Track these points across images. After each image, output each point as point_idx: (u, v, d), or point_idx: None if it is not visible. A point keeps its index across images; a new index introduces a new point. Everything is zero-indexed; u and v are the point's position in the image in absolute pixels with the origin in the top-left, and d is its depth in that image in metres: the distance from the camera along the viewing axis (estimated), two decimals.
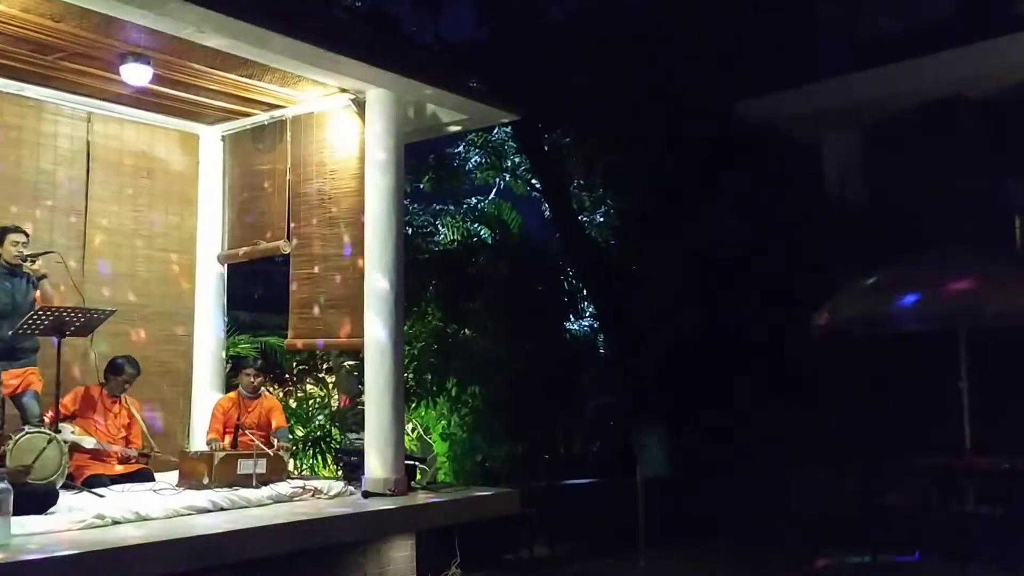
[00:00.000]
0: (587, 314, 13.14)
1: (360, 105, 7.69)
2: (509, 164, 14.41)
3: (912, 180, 10.69)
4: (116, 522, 5.65)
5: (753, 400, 10.12)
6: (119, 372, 7.29)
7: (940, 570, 7.94)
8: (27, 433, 5.99)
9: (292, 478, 7.54)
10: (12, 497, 4.96)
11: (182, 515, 6.03)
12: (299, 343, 8.21)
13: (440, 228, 13.49)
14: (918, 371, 9.16)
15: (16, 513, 5.06)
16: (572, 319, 12.72)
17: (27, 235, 6.90)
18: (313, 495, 6.94)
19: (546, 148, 13.51)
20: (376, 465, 7.24)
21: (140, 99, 8.02)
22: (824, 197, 11.38)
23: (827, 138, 11.80)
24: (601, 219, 14.18)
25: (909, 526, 8.22)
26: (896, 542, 8.27)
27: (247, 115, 8.51)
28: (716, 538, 9.29)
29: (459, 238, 12.50)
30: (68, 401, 7.11)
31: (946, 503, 8.10)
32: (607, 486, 9.63)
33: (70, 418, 7.07)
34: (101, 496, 6.35)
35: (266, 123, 8.47)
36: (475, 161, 14.31)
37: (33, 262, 6.83)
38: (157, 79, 7.29)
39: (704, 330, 10.85)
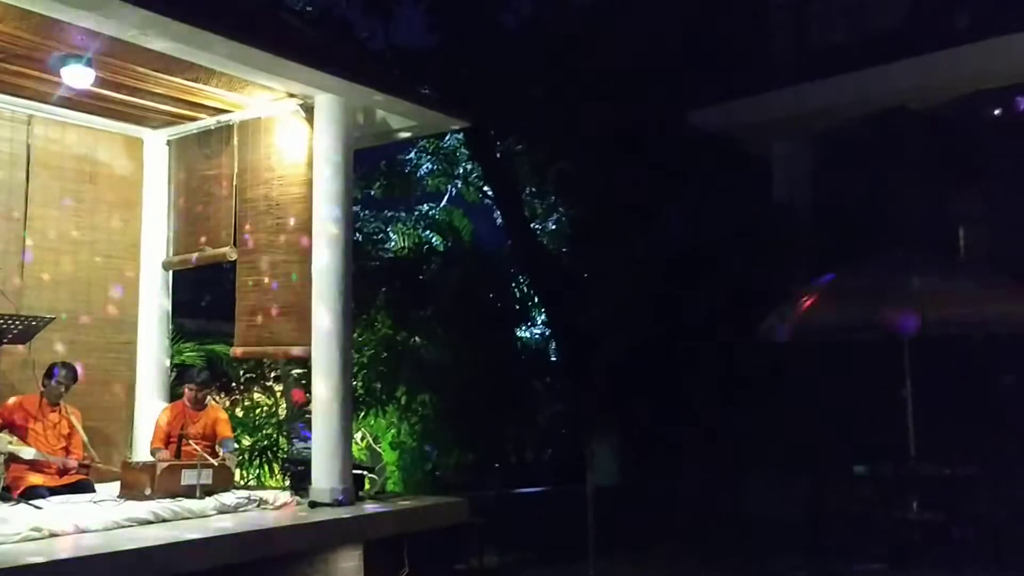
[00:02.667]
0: (539, 322, 13.16)
1: (308, 111, 7.61)
2: (461, 171, 14.43)
3: (859, 189, 10.86)
4: (53, 535, 5.50)
5: (703, 406, 10.19)
6: (52, 376, 7.14)
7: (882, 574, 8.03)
8: None
9: (238, 488, 7.42)
10: None
11: (122, 527, 5.88)
12: (245, 351, 8.08)
13: (391, 235, 13.43)
14: (864, 378, 9.28)
15: None
16: (524, 327, 12.73)
17: None
18: (259, 506, 6.83)
19: (498, 155, 13.52)
20: (323, 475, 7.15)
21: (83, 102, 7.85)
22: (774, 205, 11.52)
23: (777, 147, 11.95)
24: (553, 227, 14.24)
25: (854, 531, 8.31)
26: (841, 548, 8.36)
27: (193, 119, 8.37)
28: (666, 544, 9.31)
29: (410, 245, 12.45)
30: (5, 411, 6.95)
31: (889, 509, 8.21)
32: (558, 494, 9.64)
33: (7, 428, 6.90)
34: (39, 508, 6.21)
35: (212, 128, 8.34)
36: (427, 168, 14.31)
37: None
38: (100, 82, 7.15)
39: (655, 337, 10.90)
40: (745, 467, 9.69)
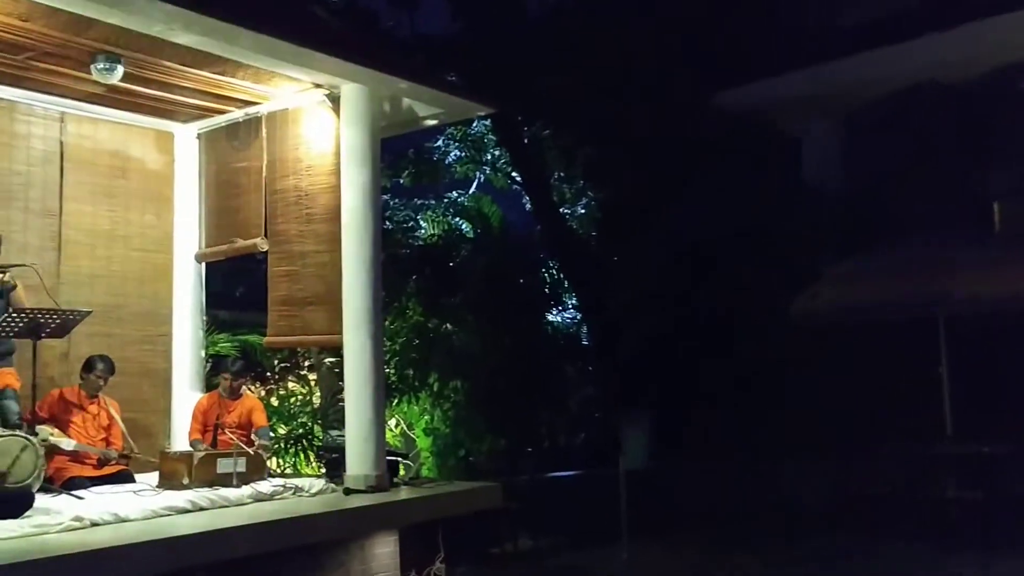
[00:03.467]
0: (569, 306, 13.15)
1: (335, 100, 7.64)
2: (489, 158, 14.42)
3: (890, 167, 10.73)
4: (94, 524, 5.59)
5: (735, 389, 10.15)
6: (91, 369, 7.25)
7: (923, 556, 7.98)
8: (1, 436, 5.93)
9: (273, 477, 7.51)
10: None
11: (161, 516, 5.97)
12: (277, 341, 8.17)
13: (421, 223, 13.48)
14: (898, 357, 9.20)
15: None
16: (554, 312, 12.74)
17: (0, 241, 6.83)
18: (294, 493, 6.90)
19: (526, 141, 13.50)
20: (357, 462, 7.21)
21: (114, 98, 7.92)
22: (803, 185, 11.42)
23: (806, 126, 11.83)
24: (582, 211, 14.20)
25: (890, 512, 8.26)
26: (877, 528, 8.31)
27: (222, 112, 8.44)
28: (698, 528, 9.31)
29: (440, 233, 12.48)
30: (45, 403, 7.06)
31: (926, 488, 8.15)
32: (591, 478, 9.66)
33: (48, 420, 7.02)
34: (80, 498, 6.28)
35: (241, 120, 8.40)
36: (454, 155, 14.30)
37: (3, 273, 6.77)
38: (129, 78, 7.20)
39: (686, 320, 10.87)
40: (778, 449, 9.64)
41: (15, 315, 6.45)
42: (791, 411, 9.83)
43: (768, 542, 8.70)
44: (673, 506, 9.36)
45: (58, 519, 5.52)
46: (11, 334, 6.54)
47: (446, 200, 14.44)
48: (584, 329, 13.07)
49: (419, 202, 14.74)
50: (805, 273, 9.70)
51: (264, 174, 8.18)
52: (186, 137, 8.85)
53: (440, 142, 14.57)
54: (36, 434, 6.43)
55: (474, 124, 14.08)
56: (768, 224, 10.80)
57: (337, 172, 7.63)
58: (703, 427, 10.22)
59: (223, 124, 8.57)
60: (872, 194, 10.72)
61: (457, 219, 13.20)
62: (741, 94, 11.64)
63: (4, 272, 6.80)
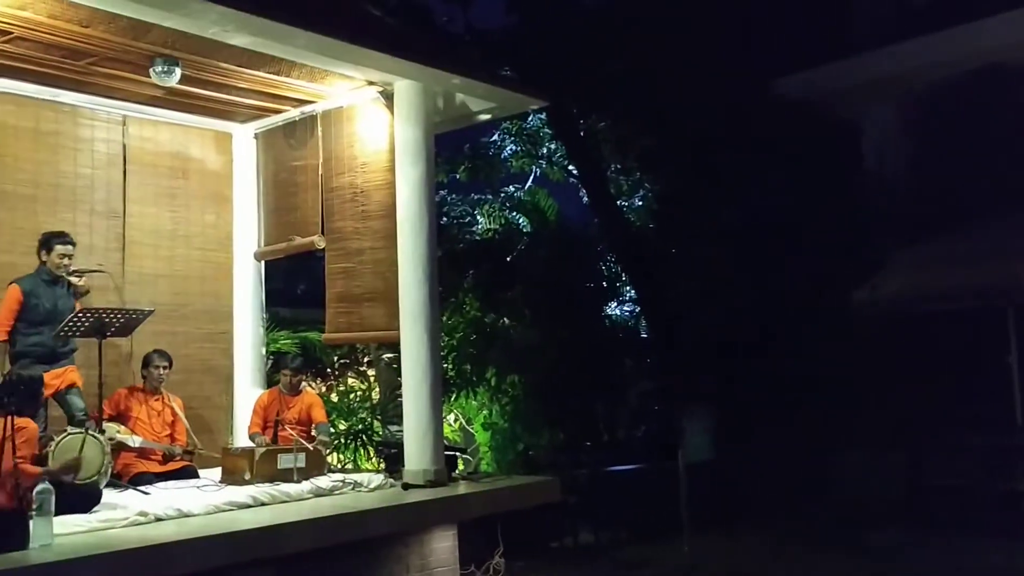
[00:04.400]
0: (628, 299, 13.07)
1: (388, 97, 7.67)
2: (545, 151, 14.37)
3: (954, 152, 10.45)
4: (158, 519, 5.71)
5: (797, 380, 9.99)
6: (148, 364, 7.42)
7: (993, 549, 7.78)
8: (69, 434, 6.08)
9: (333, 472, 7.59)
10: (54, 497, 5.03)
11: (223, 511, 6.07)
12: (336, 337, 8.25)
13: (478, 218, 13.50)
14: (965, 347, 8.97)
15: (59, 513, 5.14)
16: (612, 304, 12.67)
17: (74, 245, 6.99)
18: (353, 488, 6.96)
19: (581, 133, 13.43)
20: (415, 457, 7.24)
21: (173, 100, 8.05)
22: (865, 172, 11.19)
23: (866, 112, 11.58)
24: (639, 203, 14.09)
25: (959, 504, 8.06)
26: (945, 521, 8.12)
27: (278, 112, 8.54)
28: (761, 521, 9.19)
29: (496, 227, 12.48)
30: (112, 401, 7.23)
31: (995, 480, 7.94)
32: (651, 471, 9.59)
33: (115, 418, 7.18)
34: (146, 494, 6.42)
35: (297, 119, 8.49)
36: (510, 149, 14.28)
37: (80, 277, 6.94)
38: (187, 80, 7.31)
39: (746, 310, 10.74)
40: (843, 441, 9.48)
41: (81, 315, 6.62)
42: (856, 402, 9.65)
43: (834, 535, 8.55)
44: (736, 499, 9.26)
45: (123, 514, 5.65)
46: (78, 333, 6.71)
47: (503, 195, 14.44)
48: (643, 322, 12.98)
49: (476, 197, 14.76)
50: (868, 262, 9.49)
51: (320, 172, 8.25)
52: (244, 137, 8.97)
53: (496, 137, 14.58)
54: (103, 431, 6.60)
55: (529, 118, 14.03)
56: (829, 212, 10.61)
57: (392, 168, 7.67)
58: (765, 419, 10.08)
59: (280, 123, 8.67)
60: (936, 180, 10.45)
61: (514, 213, 13.18)
62: (800, 80, 11.44)
63: (80, 277, 6.98)
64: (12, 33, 6.45)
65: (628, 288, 12.78)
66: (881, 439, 9.21)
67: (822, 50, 11.51)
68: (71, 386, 6.86)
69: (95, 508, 5.75)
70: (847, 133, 11.53)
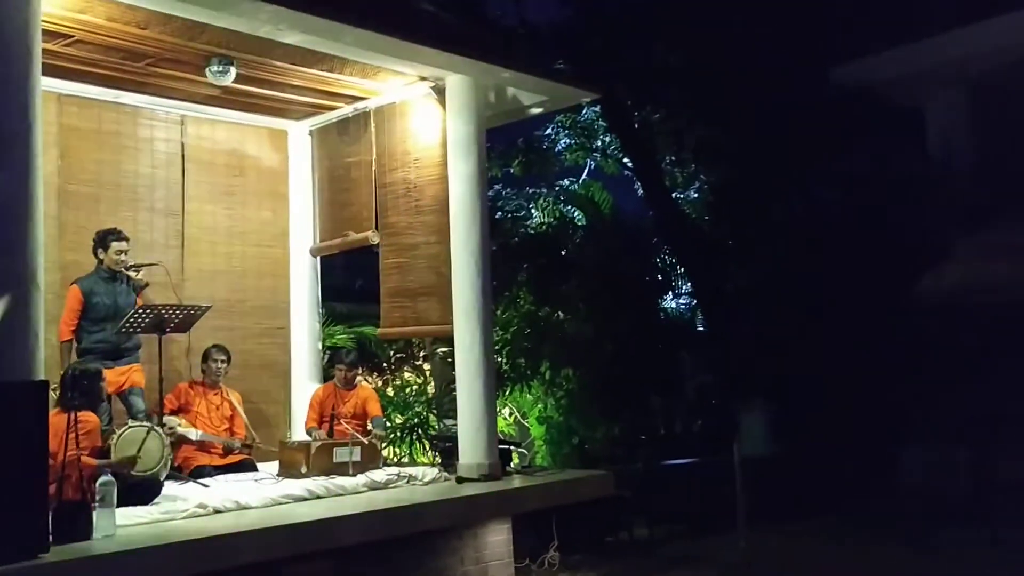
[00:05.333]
0: (683, 292, 12.96)
1: (440, 92, 7.70)
2: (599, 144, 14.31)
3: (1020, 138, 10.15)
4: (217, 511, 5.81)
5: (857, 373, 9.82)
6: (207, 358, 7.55)
7: None
8: (130, 427, 6.21)
9: (388, 465, 7.65)
10: (116, 489, 5.15)
11: (280, 504, 6.16)
12: (390, 332, 8.31)
13: (533, 212, 13.49)
14: None
15: (121, 504, 5.25)
16: (668, 297, 12.57)
17: (128, 240, 7.15)
18: (408, 482, 7.00)
19: (636, 125, 13.34)
20: (469, 451, 7.27)
21: (229, 99, 8.17)
22: (929, 160, 10.94)
23: (929, 98, 11.30)
24: (695, 195, 13.96)
25: None
26: (1015, 518, 7.91)
27: (332, 109, 8.63)
28: (821, 516, 9.05)
29: (550, 221, 12.46)
30: (172, 396, 7.37)
31: None
32: (708, 465, 9.49)
33: (176, 412, 7.32)
34: (206, 486, 6.53)
35: (351, 116, 8.58)
36: (564, 143, 14.25)
37: (137, 272, 7.09)
38: (242, 79, 7.42)
39: (805, 302, 10.58)
40: (905, 435, 9.28)
41: (141, 311, 6.76)
42: (919, 395, 9.45)
43: (896, 532, 8.38)
44: (794, 494, 9.12)
45: (183, 506, 5.77)
46: (138, 329, 6.86)
47: (557, 188, 14.42)
48: (699, 315, 12.86)
49: (530, 191, 14.76)
50: (931, 251, 9.28)
51: (374, 168, 8.33)
52: (299, 134, 9.08)
53: (550, 130, 14.56)
54: (164, 425, 6.73)
55: (583, 111, 14.00)
56: (891, 201, 10.39)
57: (444, 163, 7.70)
58: (825, 413, 9.92)
59: (334, 120, 8.76)
60: (1002, 167, 10.16)
61: (568, 207, 13.14)
62: (861, 67, 11.19)
63: (138, 271, 7.13)
64: (73, 36, 6.60)
65: (684, 281, 12.66)
66: (946, 433, 8.99)
67: (884, 36, 11.25)
68: (134, 387, 7.02)
69: (156, 500, 5.87)
70: (910, 120, 11.26)
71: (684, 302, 13.13)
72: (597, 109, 13.66)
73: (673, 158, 13.79)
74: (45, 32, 5.71)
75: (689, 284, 12.73)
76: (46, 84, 5.95)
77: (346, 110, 8.57)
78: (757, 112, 11.47)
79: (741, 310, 11.36)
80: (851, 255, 10.23)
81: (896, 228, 10.09)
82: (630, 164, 13.89)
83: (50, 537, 4.69)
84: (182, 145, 8.49)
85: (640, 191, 14.01)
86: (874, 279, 9.87)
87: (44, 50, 5.60)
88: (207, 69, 7.15)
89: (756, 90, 11.44)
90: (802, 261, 10.72)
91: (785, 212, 11.18)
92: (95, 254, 7.06)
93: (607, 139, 14.38)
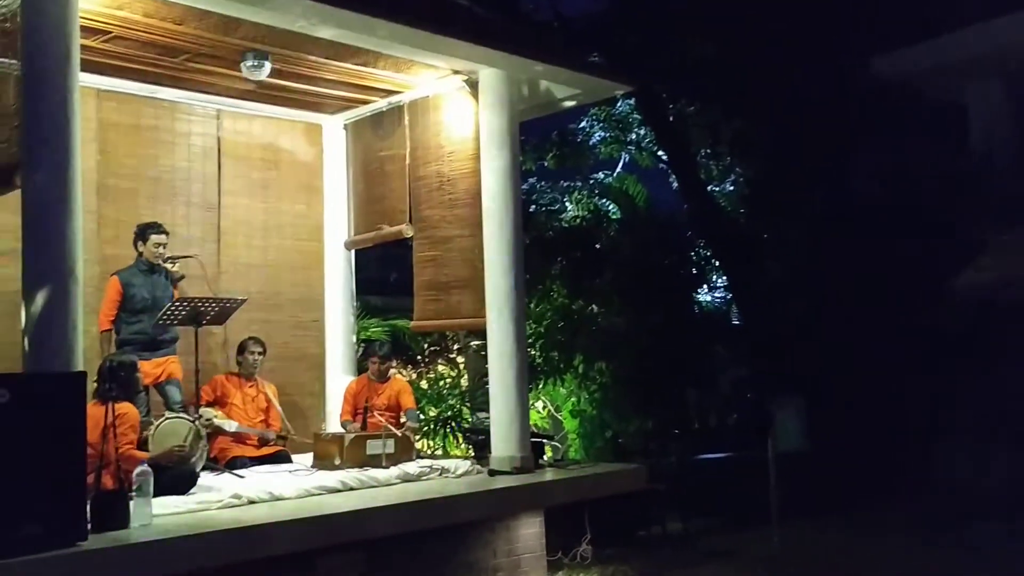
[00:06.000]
0: (718, 285, 12.89)
1: (473, 86, 7.71)
2: (633, 137, 14.26)
3: None
4: (251, 502, 5.87)
5: (894, 367, 9.71)
6: (243, 350, 7.62)
7: None
8: (167, 418, 6.31)
9: (422, 457, 7.69)
10: (153, 479, 5.22)
11: (313, 495, 6.20)
12: (423, 325, 8.35)
13: (567, 205, 13.48)
14: None
15: (157, 494, 5.33)
16: (702, 291, 12.51)
17: (167, 234, 7.25)
18: (440, 474, 7.03)
19: (670, 118, 13.27)
20: (502, 443, 7.29)
21: (264, 94, 8.23)
22: (969, 153, 10.76)
23: (970, 89, 11.11)
24: (730, 188, 13.87)
25: None
26: None
27: (366, 103, 8.65)
28: (856, 512, 8.97)
29: (585, 214, 12.44)
30: (209, 388, 7.45)
31: None
32: (742, 460, 9.45)
33: (212, 403, 7.40)
34: (241, 477, 6.61)
35: (385, 109, 8.60)
36: (599, 136, 14.21)
37: (173, 264, 7.19)
38: (277, 73, 7.48)
39: (841, 296, 10.47)
40: (942, 432, 9.17)
41: (177, 304, 6.85)
42: (957, 391, 9.32)
43: (932, 528, 8.28)
44: (829, 489, 9.04)
45: (218, 496, 5.83)
46: (174, 321, 6.95)
47: (591, 181, 14.39)
48: (734, 308, 12.78)
49: (565, 184, 14.75)
50: (969, 245, 9.13)
51: (408, 161, 8.34)
52: (334, 128, 9.13)
53: (584, 123, 14.53)
54: (200, 417, 6.81)
55: (618, 104, 13.95)
56: (929, 194, 10.25)
57: (477, 157, 7.71)
58: (860, 407, 9.82)
59: (368, 114, 8.79)
60: None
61: (602, 200, 13.11)
62: (899, 58, 11.03)
63: (174, 263, 7.22)
64: (111, 32, 6.68)
65: (718, 274, 12.58)
66: (984, 429, 8.87)
67: (922, 26, 11.08)
68: (171, 378, 7.12)
69: (192, 490, 5.94)
70: (949, 112, 11.09)
71: (719, 295, 13.06)
72: (632, 102, 13.61)
73: (708, 151, 13.72)
74: (84, 29, 5.81)
75: (724, 277, 12.65)
76: (85, 80, 6.07)
77: (380, 104, 8.60)
78: (794, 104, 11.36)
79: (776, 304, 11.27)
80: (888, 249, 10.10)
81: (933, 222, 9.95)
82: (665, 157, 13.83)
83: (89, 525, 4.78)
84: (218, 139, 8.56)
85: (675, 184, 13.94)
86: (910, 273, 9.75)
87: (83, 46, 5.70)
88: (242, 64, 7.21)
89: (793, 82, 11.33)
90: (838, 255, 10.61)
91: (821, 205, 11.06)
92: (135, 247, 7.16)
93: (642, 132, 14.33)
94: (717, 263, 12.43)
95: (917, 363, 9.53)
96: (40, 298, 5.12)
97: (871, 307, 9.97)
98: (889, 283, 9.85)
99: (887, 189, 10.59)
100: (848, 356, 9.93)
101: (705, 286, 12.58)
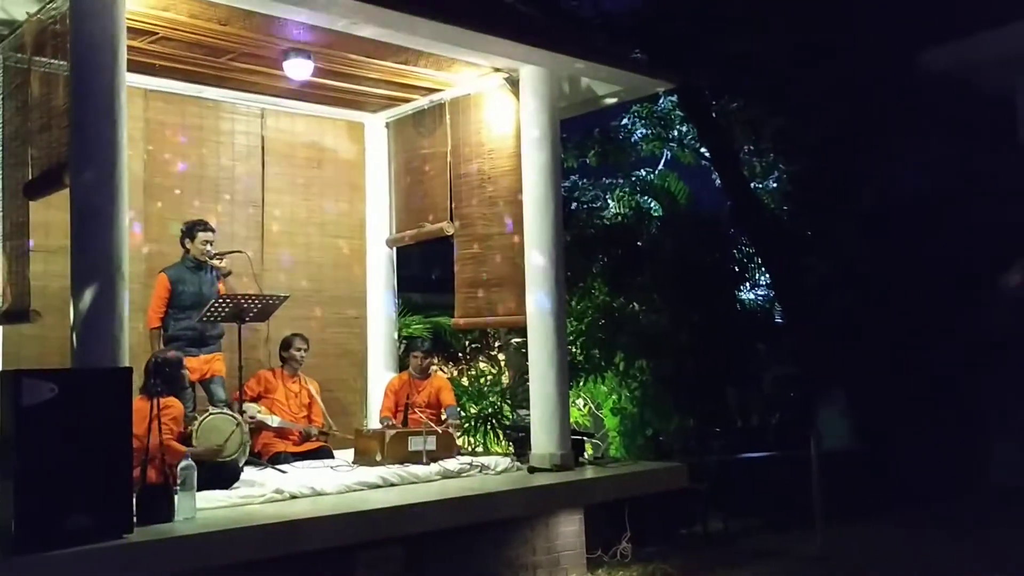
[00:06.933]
0: (761, 283, 12.77)
1: (514, 83, 7.72)
2: (675, 134, 14.17)
3: None
4: (293, 496, 5.94)
5: (941, 367, 9.56)
6: (288, 346, 7.67)
7: None
8: (211, 414, 6.39)
9: (462, 454, 7.71)
10: (196, 473, 5.30)
11: (354, 491, 6.25)
12: (464, 322, 8.38)
13: (609, 202, 13.43)
14: None
15: (201, 488, 5.41)
16: (745, 289, 12.40)
17: (215, 231, 7.35)
18: (480, 471, 7.05)
19: (713, 115, 13.16)
20: (542, 441, 7.30)
21: (307, 92, 8.32)
22: (1018, 148, 10.55)
23: (1019, 84, 10.89)
24: (774, 185, 13.73)
25: None
26: None
27: (408, 101, 8.71)
28: (902, 514, 8.84)
29: (626, 211, 12.39)
30: (252, 383, 7.54)
31: None
32: (785, 459, 9.36)
33: (255, 399, 7.49)
34: (284, 472, 6.67)
35: (426, 107, 8.64)
36: (640, 133, 14.14)
37: (220, 260, 7.29)
38: (319, 72, 7.54)
39: (887, 295, 10.33)
40: (990, 432, 9.01)
41: (221, 300, 6.94)
42: (1008, 391, 9.16)
43: (980, 530, 8.13)
44: (874, 490, 8.93)
45: (261, 491, 5.90)
46: (218, 318, 7.04)
47: (633, 179, 14.32)
48: (777, 306, 12.65)
49: (607, 181, 14.69)
50: (1020, 241, 8.96)
51: (449, 159, 8.38)
52: (375, 126, 9.19)
53: (626, 120, 14.46)
54: (244, 412, 6.90)
55: (660, 100, 13.86)
56: (979, 190, 10.07)
57: (518, 154, 7.72)
58: (907, 407, 9.68)
59: (409, 112, 8.84)
60: None
61: (644, 197, 13.04)
62: (948, 52, 10.83)
63: (221, 259, 7.32)
64: (158, 33, 6.79)
65: (761, 272, 12.46)
66: None
67: (972, 19, 10.88)
68: (216, 375, 7.21)
69: (235, 485, 6.02)
70: (998, 107, 10.87)
71: (761, 293, 12.93)
72: (674, 98, 13.52)
73: (751, 147, 13.58)
74: (131, 30, 5.91)
75: (767, 275, 12.53)
76: (132, 80, 6.17)
77: (421, 102, 8.64)
78: (839, 99, 11.21)
79: (820, 302, 11.15)
80: (934, 246, 9.95)
81: (984, 216, 9.77)
82: (707, 154, 13.72)
83: (134, 518, 4.87)
84: (262, 138, 8.66)
85: (717, 181, 13.83)
86: (958, 271, 9.59)
87: (130, 47, 5.80)
88: (285, 63, 7.28)
89: (838, 76, 11.18)
90: (884, 252, 10.46)
91: (867, 202, 10.91)
92: (182, 244, 7.27)
93: (684, 129, 14.23)
94: (759, 260, 12.30)
95: (965, 362, 9.38)
96: (88, 295, 5.22)
97: (918, 305, 9.81)
98: (936, 281, 9.69)
99: (934, 185, 10.42)
100: (895, 354, 9.79)
101: (747, 284, 12.45)
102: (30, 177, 6.05)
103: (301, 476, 6.50)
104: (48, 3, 5.81)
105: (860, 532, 8.37)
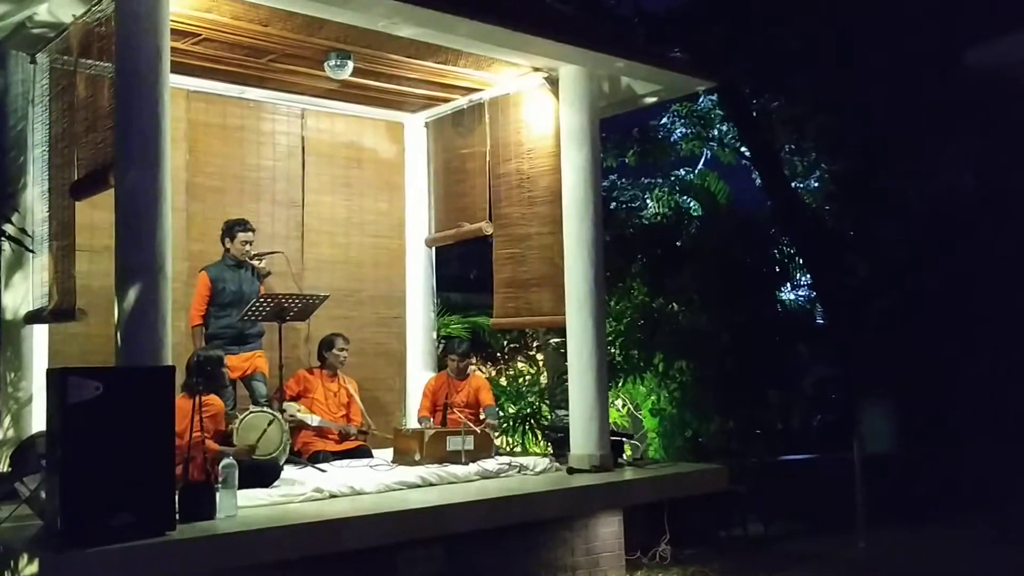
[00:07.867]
0: (803, 283, 12.63)
1: (553, 83, 7.70)
2: (715, 133, 14.07)
3: None
4: (333, 496, 5.96)
5: (988, 368, 9.39)
6: (331, 346, 7.69)
7: None
8: (251, 412, 6.44)
9: (501, 455, 7.70)
10: (237, 472, 5.33)
11: (393, 490, 6.27)
12: (503, 322, 8.37)
13: (648, 202, 13.36)
14: None
15: (242, 486, 5.44)
16: (785, 289, 12.27)
17: (254, 231, 7.41)
18: (519, 471, 7.03)
19: (754, 114, 13.04)
20: (580, 441, 7.28)
21: (347, 93, 8.36)
22: None
23: None
24: (815, 184, 13.58)
25: None
26: None
27: (447, 101, 8.72)
28: (947, 518, 8.69)
29: (666, 211, 12.32)
30: (292, 382, 7.57)
31: None
32: (826, 462, 9.25)
33: (295, 398, 7.53)
34: (323, 471, 6.70)
35: (465, 107, 8.66)
36: (680, 132, 14.06)
37: (260, 260, 7.34)
38: (360, 72, 7.58)
39: (932, 294, 10.17)
40: None
41: (262, 300, 6.99)
42: None
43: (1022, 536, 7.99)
44: (919, 493, 8.79)
45: (301, 490, 5.93)
46: (259, 317, 7.09)
47: (673, 178, 14.25)
48: (818, 307, 12.51)
49: (646, 181, 14.63)
50: None
51: (488, 159, 8.38)
52: (415, 126, 9.21)
53: (665, 120, 14.40)
54: (283, 411, 6.94)
55: (700, 100, 13.78)
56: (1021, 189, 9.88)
57: (557, 154, 7.71)
58: (953, 410, 9.53)
59: (448, 112, 8.86)
60: None
61: (684, 197, 12.95)
62: (994, 48, 10.64)
63: (261, 259, 7.39)
64: (200, 35, 6.86)
65: (803, 272, 12.32)
66: None
67: (1019, 16, 10.67)
68: (256, 371, 7.27)
69: (275, 483, 6.06)
70: None
71: (803, 294, 12.80)
72: (714, 97, 13.43)
73: (793, 147, 13.44)
74: (174, 31, 5.97)
75: (808, 275, 12.39)
76: (175, 81, 6.23)
77: (460, 102, 8.65)
78: (882, 97, 11.06)
79: (863, 303, 11.00)
80: (981, 246, 9.77)
81: None
82: (748, 153, 13.61)
83: (176, 515, 4.91)
84: (302, 138, 8.72)
85: (758, 181, 13.70)
86: (1005, 272, 9.41)
87: (173, 48, 5.86)
88: (326, 64, 7.33)
89: (881, 74, 11.02)
90: (929, 252, 10.30)
91: (912, 201, 10.74)
92: (222, 243, 7.34)
93: (724, 128, 14.12)
94: (801, 261, 12.16)
95: (1010, 365, 9.20)
96: (132, 294, 5.28)
97: (963, 307, 9.65)
98: (983, 282, 9.52)
99: (981, 184, 10.24)
100: (940, 357, 9.63)
101: (788, 284, 12.31)
102: (76, 177, 6.14)
103: (341, 475, 6.53)
104: (94, 5, 5.88)
105: (903, 536, 8.25)
